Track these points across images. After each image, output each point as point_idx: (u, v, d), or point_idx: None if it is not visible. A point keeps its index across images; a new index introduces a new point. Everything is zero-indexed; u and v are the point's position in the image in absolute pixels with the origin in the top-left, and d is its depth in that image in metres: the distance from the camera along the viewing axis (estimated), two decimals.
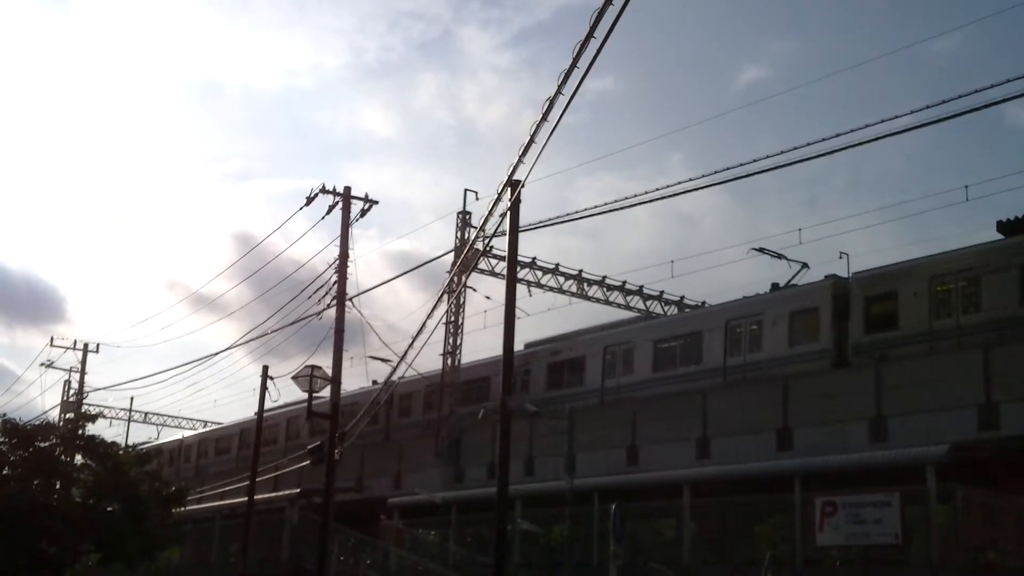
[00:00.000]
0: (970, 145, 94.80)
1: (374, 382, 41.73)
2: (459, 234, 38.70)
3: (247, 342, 37.35)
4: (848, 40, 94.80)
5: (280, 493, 40.18)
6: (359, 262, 30.13)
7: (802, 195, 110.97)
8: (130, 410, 68.12)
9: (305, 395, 29.52)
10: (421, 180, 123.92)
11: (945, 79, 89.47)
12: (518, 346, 39.50)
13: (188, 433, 64.54)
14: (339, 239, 29.02)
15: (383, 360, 34.39)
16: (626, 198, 18.20)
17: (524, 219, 19.61)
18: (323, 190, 29.20)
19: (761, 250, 35.32)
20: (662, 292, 42.31)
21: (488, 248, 35.13)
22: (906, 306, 26.78)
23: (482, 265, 37.80)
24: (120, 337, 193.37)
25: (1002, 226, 27.62)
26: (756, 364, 30.49)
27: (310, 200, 29.46)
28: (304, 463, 32.05)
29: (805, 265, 34.41)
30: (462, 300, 38.64)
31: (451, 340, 38.96)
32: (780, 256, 34.59)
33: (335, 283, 28.77)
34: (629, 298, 42.05)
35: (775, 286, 33.40)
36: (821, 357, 28.60)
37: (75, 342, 55.33)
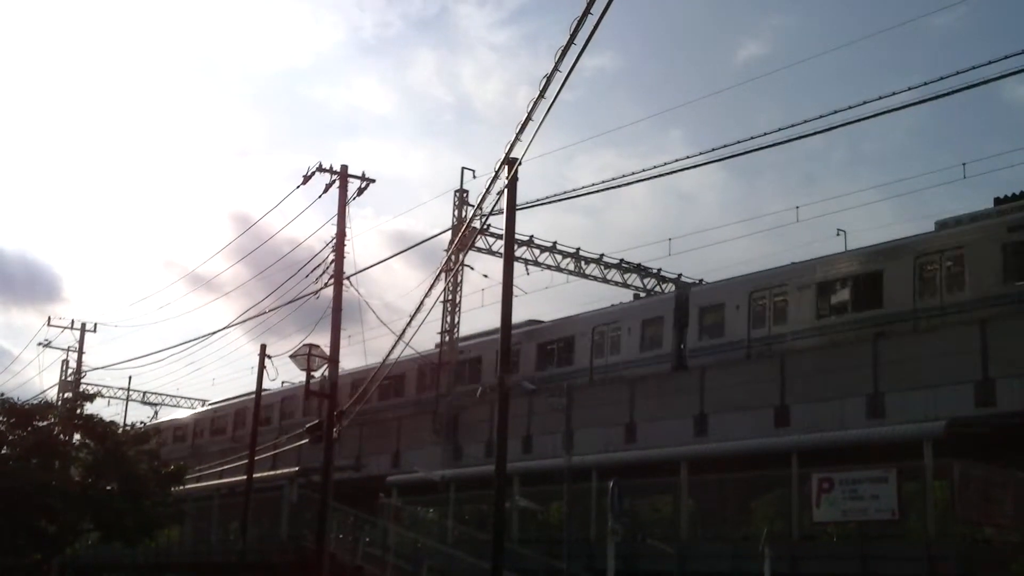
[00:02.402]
0: (968, 121, 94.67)
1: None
2: (456, 212, 38.65)
3: (244, 321, 37.30)
4: (847, 15, 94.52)
5: (279, 471, 40.26)
6: (356, 241, 30.07)
7: (801, 172, 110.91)
8: (128, 389, 68.18)
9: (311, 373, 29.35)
10: (418, 158, 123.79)
11: (945, 54, 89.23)
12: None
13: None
14: (336, 218, 28.98)
15: None
16: (624, 175, 18.03)
17: (522, 197, 19.45)
18: (320, 168, 29.10)
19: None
20: (659, 269, 42.29)
21: (485, 226, 35.11)
22: None
23: (479, 243, 37.75)
24: (118, 317, 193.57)
25: (999, 202, 27.60)
26: None
27: (307, 179, 29.37)
28: (303, 441, 32.12)
29: None
30: (459, 278, 38.63)
31: (449, 318, 39.00)
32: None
33: (332, 262, 28.74)
34: (627, 276, 42.06)
35: None
36: None
37: (72, 322, 55.25)
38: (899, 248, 27.38)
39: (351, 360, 42.97)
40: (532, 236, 39.73)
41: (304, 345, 28.48)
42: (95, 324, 55.58)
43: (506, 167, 17.68)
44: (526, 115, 15.47)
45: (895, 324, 26.53)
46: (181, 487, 38.31)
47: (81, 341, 54.74)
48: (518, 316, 23.30)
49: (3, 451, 34.91)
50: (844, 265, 28.90)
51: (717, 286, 33.63)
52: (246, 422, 55.55)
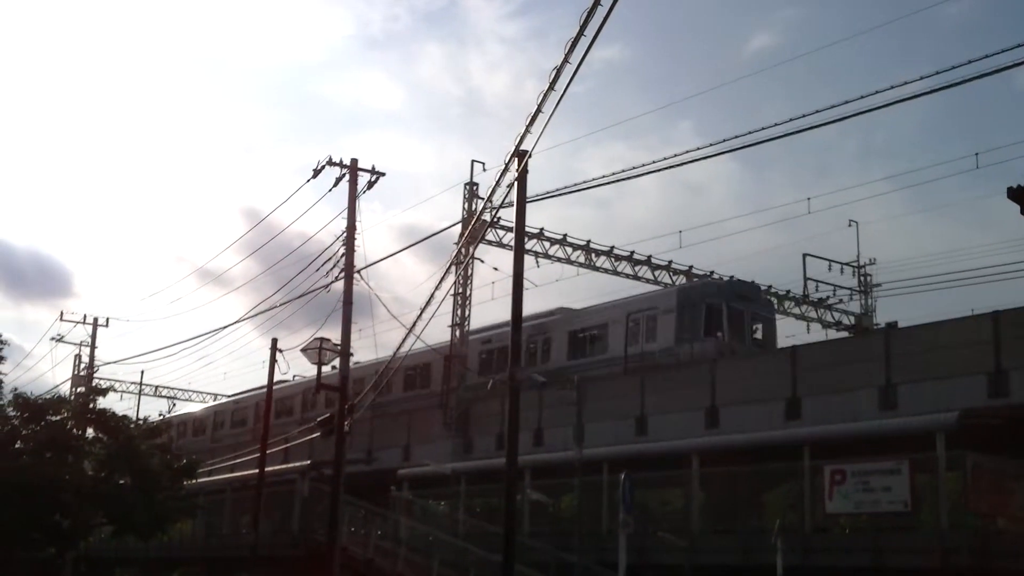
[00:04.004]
0: (981, 111, 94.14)
1: None
2: (466, 205, 38.62)
3: (255, 315, 37.51)
4: (857, 5, 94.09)
5: (290, 465, 40.33)
6: (365, 235, 30.18)
7: (812, 163, 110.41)
8: (140, 384, 68.44)
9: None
10: (427, 152, 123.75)
11: (956, 44, 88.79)
12: None
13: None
14: (346, 211, 28.97)
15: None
16: (634, 167, 18.03)
17: (531, 189, 19.47)
18: (330, 162, 29.12)
19: None
20: (670, 262, 42.22)
21: (495, 219, 35.05)
22: None
23: (490, 236, 37.71)
24: (129, 311, 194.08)
25: (1012, 192, 27.40)
26: None
27: (317, 173, 29.40)
28: (315, 435, 32.17)
29: None
30: (470, 271, 38.61)
31: (459, 312, 38.98)
32: None
33: (343, 256, 28.75)
34: (637, 268, 41.99)
35: None
36: None
37: (84, 316, 55.38)
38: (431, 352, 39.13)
39: (363, 354, 43.58)
40: (543, 229, 39.73)
41: (315, 339, 28.53)
42: (107, 319, 55.74)
43: (516, 159, 17.66)
44: (536, 107, 15.45)
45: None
46: (193, 481, 38.41)
47: (93, 336, 54.89)
48: (528, 309, 23.37)
49: (17, 446, 34.99)
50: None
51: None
52: (224, 424, 56.30)
